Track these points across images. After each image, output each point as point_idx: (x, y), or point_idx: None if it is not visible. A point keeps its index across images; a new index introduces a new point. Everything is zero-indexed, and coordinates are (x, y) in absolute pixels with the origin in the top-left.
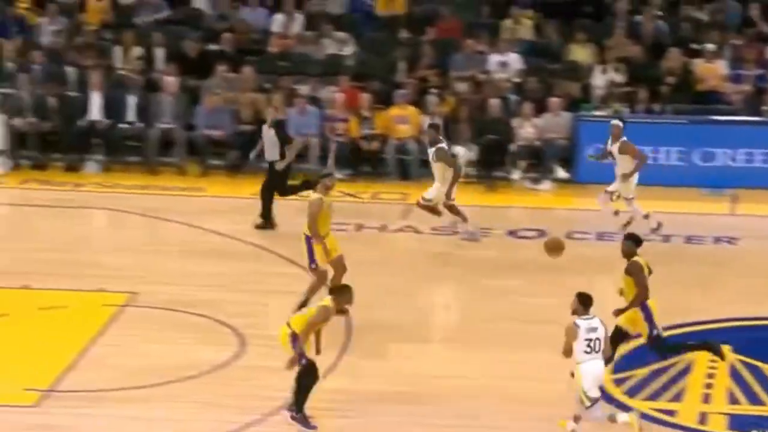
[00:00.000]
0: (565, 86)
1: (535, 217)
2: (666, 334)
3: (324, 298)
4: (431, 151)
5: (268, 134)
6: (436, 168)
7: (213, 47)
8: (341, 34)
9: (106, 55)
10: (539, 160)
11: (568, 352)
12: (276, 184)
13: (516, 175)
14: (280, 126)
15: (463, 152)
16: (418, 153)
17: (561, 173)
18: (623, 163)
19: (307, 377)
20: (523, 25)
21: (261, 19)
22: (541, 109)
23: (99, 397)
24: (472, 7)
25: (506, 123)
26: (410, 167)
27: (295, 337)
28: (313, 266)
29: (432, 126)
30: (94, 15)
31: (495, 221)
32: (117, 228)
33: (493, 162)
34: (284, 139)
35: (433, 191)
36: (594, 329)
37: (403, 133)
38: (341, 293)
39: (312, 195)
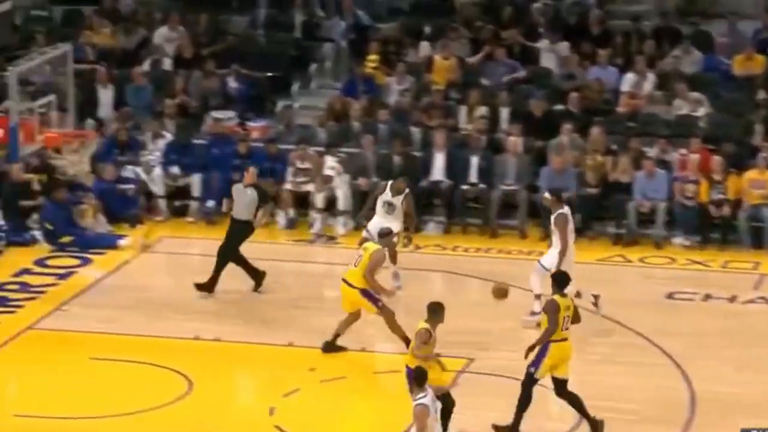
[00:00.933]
0: None
1: None
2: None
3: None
4: None
5: (244, 193)
6: None
7: (559, 107)
8: (695, 95)
9: (450, 115)
10: None
11: None
12: (233, 245)
13: None
14: (259, 187)
15: None
16: None
17: None
18: None
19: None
20: None
21: (611, 79)
22: None
23: None
24: None
25: None
26: (764, 234)
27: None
28: (380, 304)
29: None
30: (440, 74)
31: None
32: (456, 292)
33: None
34: (264, 199)
35: None
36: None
37: (758, 199)
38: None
39: (374, 245)
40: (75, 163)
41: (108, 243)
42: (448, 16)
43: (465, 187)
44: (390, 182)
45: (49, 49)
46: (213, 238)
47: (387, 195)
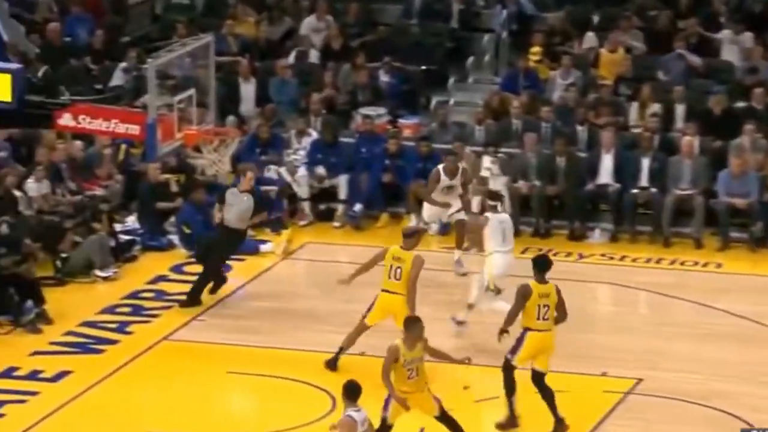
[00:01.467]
0: None
1: None
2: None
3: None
4: None
5: (240, 199)
6: None
7: (741, 104)
8: None
9: (620, 112)
10: None
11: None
12: (221, 256)
13: None
14: (255, 194)
15: None
16: None
17: None
18: None
19: None
20: None
21: None
22: None
23: None
24: None
25: None
26: None
27: None
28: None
29: None
30: (609, 68)
31: None
32: (623, 305)
33: None
34: (260, 208)
35: None
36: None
37: None
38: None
39: (407, 254)
40: (215, 163)
41: (249, 248)
42: (620, 5)
43: (635, 191)
44: (441, 166)
45: (190, 40)
46: (360, 245)
47: (444, 181)
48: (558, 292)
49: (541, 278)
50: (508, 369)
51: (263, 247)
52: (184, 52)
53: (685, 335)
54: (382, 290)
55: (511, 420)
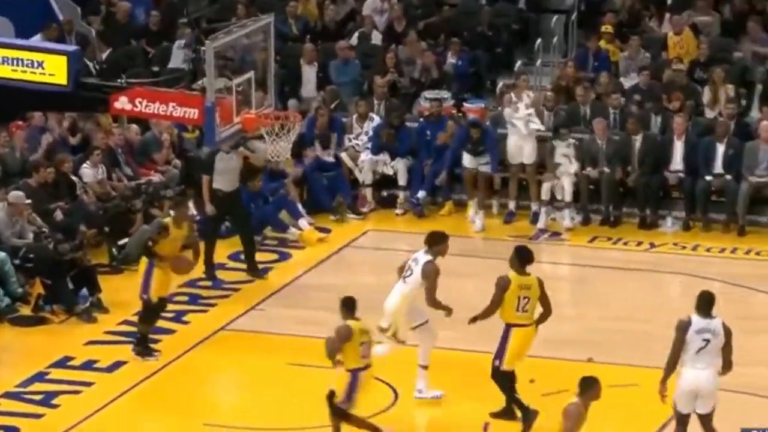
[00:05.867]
0: None
1: None
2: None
3: None
4: None
5: (230, 159)
6: None
7: None
8: None
9: (694, 96)
10: None
11: None
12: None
13: None
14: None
15: None
16: None
17: None
18: None
19: None
20: None
21: None
22: None
23: None
24: None
25: None
26: None
27: None
28: None
29: None
30: (683, 49)
31: None
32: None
33: None
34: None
35: None
36: None
37: None
38: None
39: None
40: (275, 149)
41: (281, 228)
42: None
43: (709, 178)
44: None
45: (250, 21)
46: (423, 232)
47: None
48: (540, 285)
49: (521, 270)
50: (499, 377)
51: (293, 230)
52: (243, 34)
53: (762, 329)
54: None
55: (526, 414)
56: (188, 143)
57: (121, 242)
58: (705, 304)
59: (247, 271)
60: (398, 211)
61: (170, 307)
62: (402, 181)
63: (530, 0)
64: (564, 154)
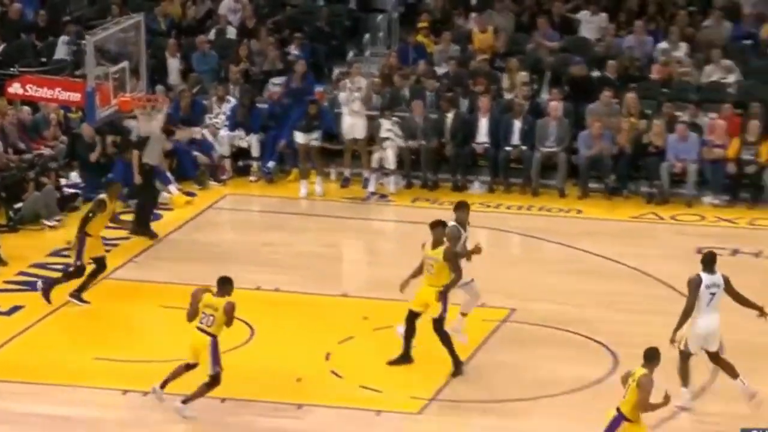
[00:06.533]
0: None
1: None
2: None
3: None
4: None
5: (153, 129)
6: None
7: (597, 74)
8: (726, 62)
9: (495, 82)
10: None
11: None
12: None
13: None
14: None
15: None
16: None
17: None
18: None
19: None
20: None
21: (646, 47)
22: None
23: (475, 408)
24: None
25: None
26: None
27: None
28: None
29: None
30: (485, 43)
31: None
32: (499, 246)
33: None
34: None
35: None
36: None
37: None
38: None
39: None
40: (147, 126)
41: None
42: None
43: (508, 148)
44: None
45: (124, 19)
46: (273, 196)
47: None
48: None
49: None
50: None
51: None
52: (118, 30)
53: (552, 271)
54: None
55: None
56: (73, 122)
57: (16, 206)
58: (710, 262)
59: (140, 231)
60: (252, 178)
61: (60, 260)
62: (255, 153)
63: (359, 1)
64: (389, 129)
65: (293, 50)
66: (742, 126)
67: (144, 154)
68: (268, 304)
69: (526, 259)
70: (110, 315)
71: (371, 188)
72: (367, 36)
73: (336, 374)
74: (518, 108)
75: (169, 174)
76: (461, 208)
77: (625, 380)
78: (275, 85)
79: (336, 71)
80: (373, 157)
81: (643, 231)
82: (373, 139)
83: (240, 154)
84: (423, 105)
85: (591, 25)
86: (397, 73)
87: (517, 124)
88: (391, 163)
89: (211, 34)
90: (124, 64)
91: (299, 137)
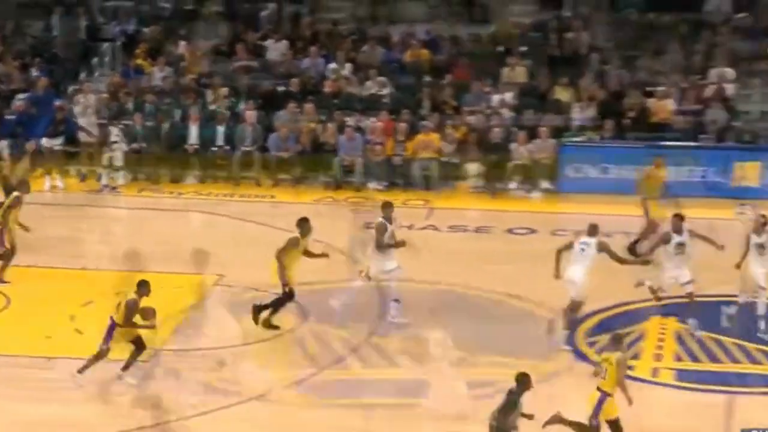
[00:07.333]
0: (550, 119)
1: (526, 219)
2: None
3: None
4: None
5: None
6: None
7: (282, 88)
8: (381, 78)
9: (201, 96)
10: (530, 175)
11: None
12: None
13: (513, 186)
14: None
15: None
16: (438, 170)
17: (547, 185)
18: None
19: None
20: (518, 72)
21: (319, 67)
22: (532, 136)
23: None
24: (479, 57)
25: (505, 146)
26: (431, 180)
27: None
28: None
29: None
30: (193, 65)
31: (496, 222)
32: (210, 226)
33: (495, 176)
34: None
35: None
36: None
37: (426, 154)
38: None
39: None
40: None
41: None
42: (198, 21)
43: (214, 149)
44: None
45: None
46: None
47: None
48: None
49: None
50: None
51: None
52: None
53: (252, 244)
54: None
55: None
56: None
57: None
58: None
59: None
60: None
61: None
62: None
63: (89, 32)
64: (117, 135)
65: (35, 72)
66: (394, 128)
67: None
68: (23, 278)
69: (232, 236)
70: None
71: (104, 181)
72: (95, 60)
73: (79, 331)
74: (221, 116)
75: None
76: (387, 206)
77: (598, 370)
78: (20, 100)
79: (71, 88)
80: (105, 156)
81: (323, 211)
82: (104, 142)
83: None
84: (143, 115)
85: (276, 51)
86: (121, 90)
87: (221, 129)
88: (119, 161)
89: None
90: None
91: (46, 141)
